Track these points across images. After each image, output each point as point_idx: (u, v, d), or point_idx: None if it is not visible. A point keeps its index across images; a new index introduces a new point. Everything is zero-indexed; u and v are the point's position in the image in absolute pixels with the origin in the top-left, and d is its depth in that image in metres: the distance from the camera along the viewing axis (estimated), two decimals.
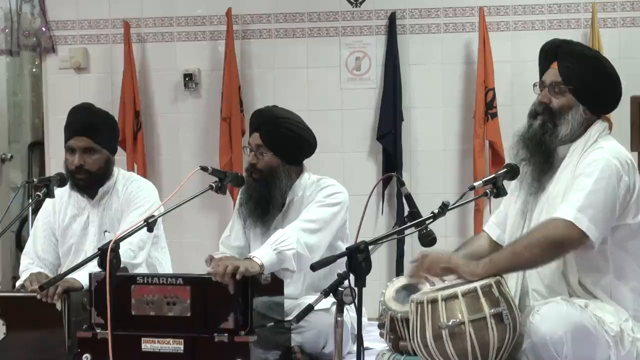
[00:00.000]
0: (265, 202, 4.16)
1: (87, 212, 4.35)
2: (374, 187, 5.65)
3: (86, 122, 4.29)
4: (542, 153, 3.37)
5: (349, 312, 3.74)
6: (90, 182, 4.30)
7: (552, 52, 3.44)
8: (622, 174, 3.25)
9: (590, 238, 3.17)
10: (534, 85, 3.45)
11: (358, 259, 2.86)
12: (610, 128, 5.70)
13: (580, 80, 3.36)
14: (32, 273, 4.15)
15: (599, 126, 3.40)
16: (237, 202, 4.32)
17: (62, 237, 4.38)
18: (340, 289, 2.89)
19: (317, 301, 2.92)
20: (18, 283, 4.24)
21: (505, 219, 3.57)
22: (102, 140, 4.30)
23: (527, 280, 3.35)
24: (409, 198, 3.38)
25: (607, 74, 3.40)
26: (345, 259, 2.88)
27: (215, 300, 3.59)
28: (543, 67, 3.47)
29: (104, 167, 4.31)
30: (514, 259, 3.20)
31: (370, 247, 2.90)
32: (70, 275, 3.71)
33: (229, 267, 3.60)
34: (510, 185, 3.50)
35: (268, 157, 4.16)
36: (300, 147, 4.24)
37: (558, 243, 3.19)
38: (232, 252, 4.29)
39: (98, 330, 3.65)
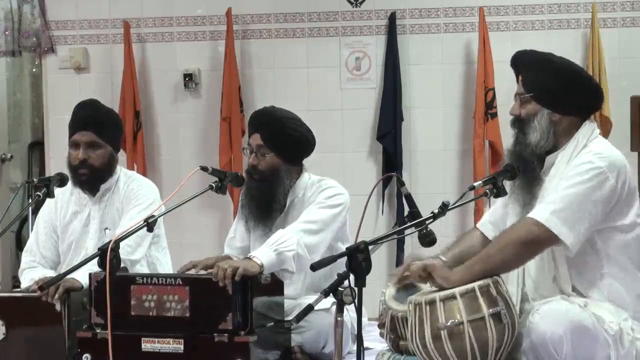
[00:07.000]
0: (268, 204, 4.15)
1: (88, 209, 4.33)
2: (374, 187, 5.64)
3: (91, 117, 4.28)
4: (523, 163, 3.38)
5: (349, 312, 3.73)
6: (92, 177, 4.28)
7: (515, 67, 3.53)
8: (607, 176, 3.23)
9: (562, 241, 3.18)
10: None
11: (358, 259, 2.86)
12: (610, 128, 5.80)
13: (538, 85, 3.40)
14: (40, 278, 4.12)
15: (586, 129, 3.39)
16: (239, 203, 4.32)
17: (62, 234, 4.37)
18: (340, 289, 2.90)
19: (317, 301, 2.92)
20: (23, 286, 4.23)
21: (500, 218, 3.56)
22: (106, 136, 4.29)
23: (526, 288, 3.36)
24: (409, 198, 3.38)
25: (562, 71, 3.41)
26: (345, 259, 2.89)
27: (215, 300, 3.59)
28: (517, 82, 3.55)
29: (106, 163, 4.29)
30: (487, 262, 3.20)
31: (370, 247, 2.90)
32: (70, 275, 3.70)
33: (228, 270, 3.59)
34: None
35: (269, 158, 4.14)
36: (301, 146, 4.23)
37: (528, 243, 3.21)
38: (237, 253, 4.28)
39: (98, 330, 3.65)
